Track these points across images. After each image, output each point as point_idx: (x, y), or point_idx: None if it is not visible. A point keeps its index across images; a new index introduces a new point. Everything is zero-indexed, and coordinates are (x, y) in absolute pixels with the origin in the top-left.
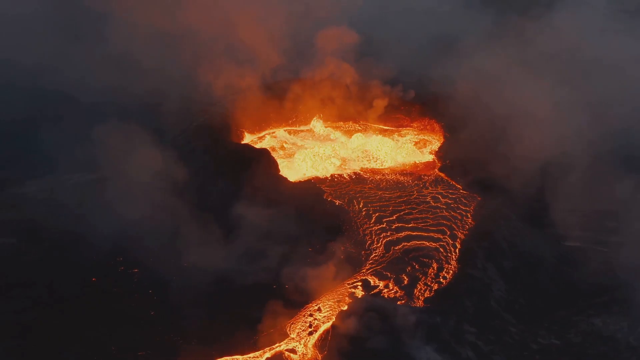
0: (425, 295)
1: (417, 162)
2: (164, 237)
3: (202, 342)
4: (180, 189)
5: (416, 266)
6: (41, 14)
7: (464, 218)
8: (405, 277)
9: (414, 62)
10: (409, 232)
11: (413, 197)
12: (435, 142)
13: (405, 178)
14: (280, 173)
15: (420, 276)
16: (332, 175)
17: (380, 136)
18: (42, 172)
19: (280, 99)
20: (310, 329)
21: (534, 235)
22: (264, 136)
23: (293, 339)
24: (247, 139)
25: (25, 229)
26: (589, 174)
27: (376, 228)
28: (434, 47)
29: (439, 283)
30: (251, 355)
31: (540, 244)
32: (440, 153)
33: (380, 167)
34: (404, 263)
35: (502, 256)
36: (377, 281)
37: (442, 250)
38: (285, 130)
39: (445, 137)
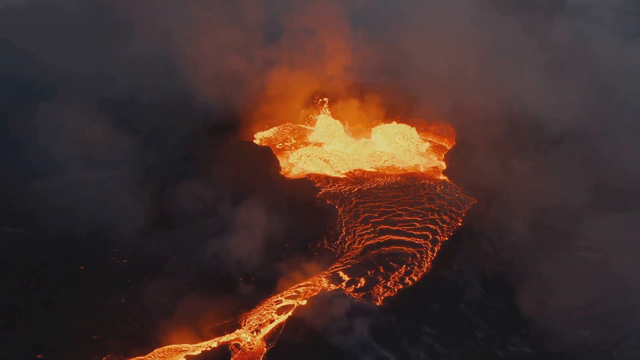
0: (386, 295)
1: (424, 164)
2: (156, 231)
3: (154, 328)
4: (178, 184)
5: (382, 269)
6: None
7: (453, 221)
8: (372, 277)
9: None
10: (391, 236)
11: (408, 197)
12: (448, 145)
13: (407, 179)
14: (281, 172)
15: (387, 277)
16: (332, 174)
17: (390, 137)
18: (51, 170)
19: (290, 97)
20: (263, 322)
21: (531, 241)
22: (272, 134)
23: (244, 330)
24: (257, 136)
25: (34, 221)
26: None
27: (360, 228)
28: (455, 53)
29: (405, 284)
30: (196, 345)
31: (537, 250)
32: (448, 156)
33: (385, 169)
34: (375, 264)
35: (485, 260)
36: (342, 279)
37: (418, 254)
38: (294, 129)
39: (457, 140)
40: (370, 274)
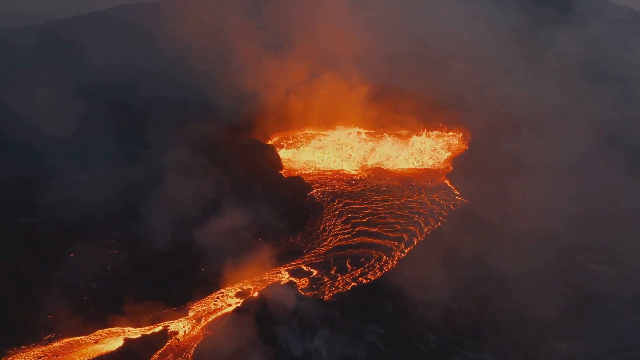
0: (335, 292)
1: (430, 167)
2: (147, 222)
3: (102, 311)
4: (179, 178)
5: (334, 270)
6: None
7: (439, 223)
8: (325, 276)
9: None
10: (365, 238)
11: (400, 201)
12: (460, 149)
13: (407, 182)
14: (281, 171)
15: (336, 277)
16: (331, 175)
17: (401, 140)
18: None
19: (305, 102)
20: (209, 311)
21: (523, 247)
22: (286, 136)
23: (187, 318)
24: (272, 137)
25: (46, 213)
26: None
27: (339, 228)
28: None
29: (359, 283)
30: (138, 329)
31: (527, 256)
32: (456, 160)
33: (388, 172)
34: (332, 263)
35: (460, 265)
36: (297, 275)
37: (385, 256)
38: (308, 134)
39: (468, 145)
40: (325, 272)
